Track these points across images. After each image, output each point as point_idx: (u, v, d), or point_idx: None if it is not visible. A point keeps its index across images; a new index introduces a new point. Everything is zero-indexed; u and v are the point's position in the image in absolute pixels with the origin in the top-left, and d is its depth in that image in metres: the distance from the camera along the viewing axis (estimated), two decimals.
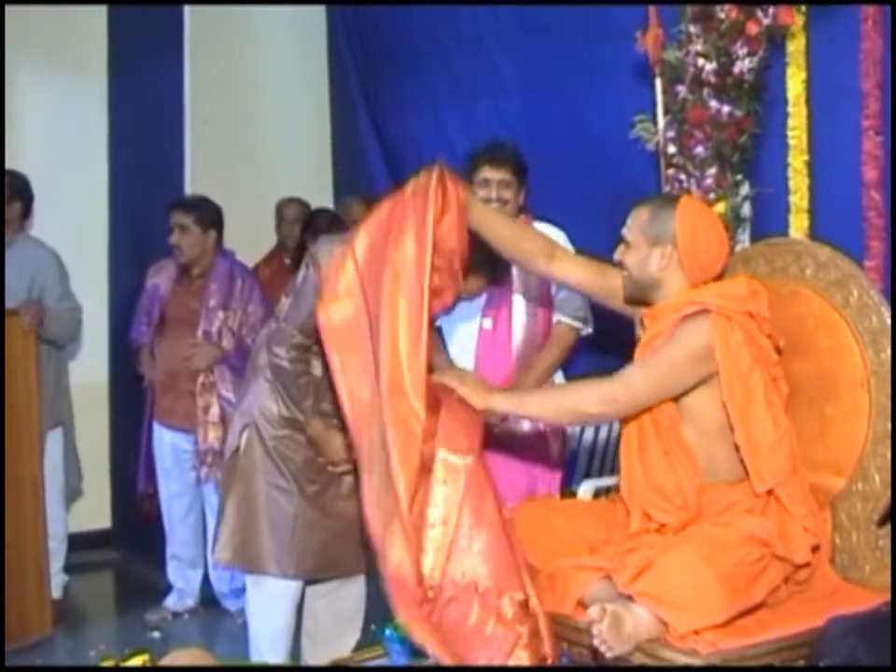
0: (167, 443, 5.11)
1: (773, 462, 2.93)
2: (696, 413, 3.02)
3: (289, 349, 3.56)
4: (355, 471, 3.61)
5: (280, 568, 3.64)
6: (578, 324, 4.06)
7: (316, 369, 3.61)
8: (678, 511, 2.99)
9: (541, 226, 4.20)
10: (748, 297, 3.04)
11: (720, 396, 2.97)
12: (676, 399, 3.02)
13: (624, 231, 3.17)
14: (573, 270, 3.34)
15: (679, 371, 2.97)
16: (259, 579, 3.72)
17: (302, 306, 3.53)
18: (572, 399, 3.10)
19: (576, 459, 4.30)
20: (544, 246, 3.35)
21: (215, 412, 4.90)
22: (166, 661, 3.18)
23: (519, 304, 4.08)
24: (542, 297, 4.11)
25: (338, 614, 3.88)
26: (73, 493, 5.46)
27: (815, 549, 2.95)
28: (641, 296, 3.18)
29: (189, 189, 5.63)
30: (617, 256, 3.19)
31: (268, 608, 3.72)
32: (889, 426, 3.01)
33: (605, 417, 3.13)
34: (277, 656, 3.70)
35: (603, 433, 4.31)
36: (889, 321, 3.03)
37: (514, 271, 4.12)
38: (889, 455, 3.00)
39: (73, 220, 5.95)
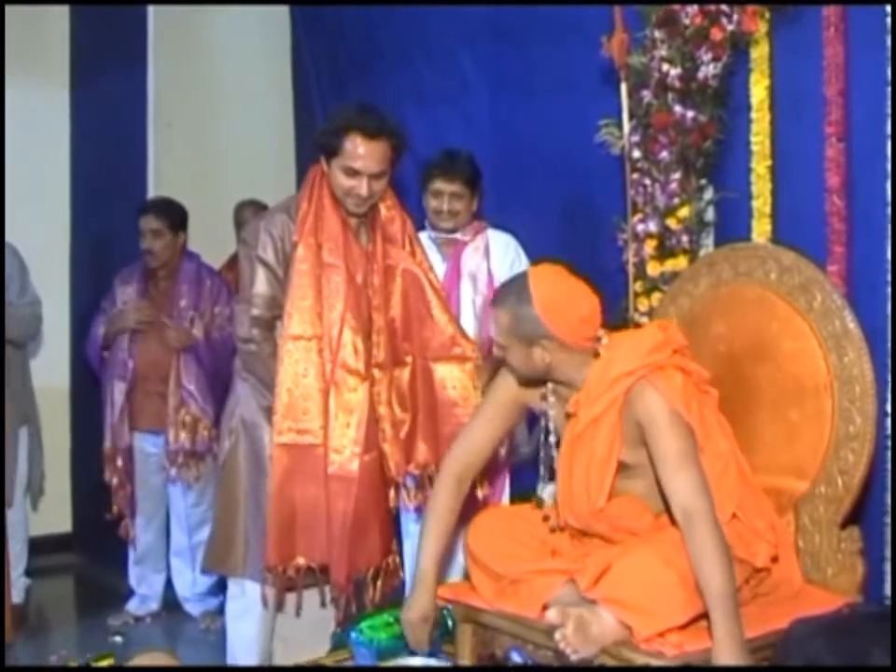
0: (133, 447, 5.07)
1: (726, 488, 2.88)
2: (643, 467, 2.91)
3: (251, 326, 3.52)
4: None
5: (256, 574, 3.57)
6: None
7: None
8: (636, 535, 2.95)
9: (494, 233, 4.24)
10: (664, 341, 2.92)
11: None
12: (618, 466, 2.90)
13: (495, 336, 3.04)
14: (482, 453, 3.27)
15: (684, 432, 2.81)
16: (241, 584, 3.67)
17: (245, 280, 3.55)
18: (706, 552, 2.68)
19: (536, 464, 4.28)
20: (453, 494, 3.22)
21: (184, 411, 4.89)
22: (133, 664, 3.16)
23: (467, 307, 4.11)
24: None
25: (311, 618, 3.80)
26: (35, 492, 5.41)
27: (774, 559, 2.95)
28: (536, 380, 3.07)
29: (153, 191, 5.61)
30: (497, 353, 3.06)
31: (246, 613, 3.67)
32: (850, 428, 3.04)
33: (710, 512, 2.72)
34: (252, 660, 3.68)
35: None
36: (851, 325, 3.06)
37: (464, 276, 4.15)
38: (851, 458, 3.03)
39: (35, 223, 5.89)
